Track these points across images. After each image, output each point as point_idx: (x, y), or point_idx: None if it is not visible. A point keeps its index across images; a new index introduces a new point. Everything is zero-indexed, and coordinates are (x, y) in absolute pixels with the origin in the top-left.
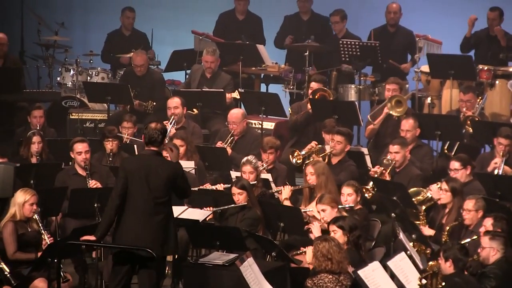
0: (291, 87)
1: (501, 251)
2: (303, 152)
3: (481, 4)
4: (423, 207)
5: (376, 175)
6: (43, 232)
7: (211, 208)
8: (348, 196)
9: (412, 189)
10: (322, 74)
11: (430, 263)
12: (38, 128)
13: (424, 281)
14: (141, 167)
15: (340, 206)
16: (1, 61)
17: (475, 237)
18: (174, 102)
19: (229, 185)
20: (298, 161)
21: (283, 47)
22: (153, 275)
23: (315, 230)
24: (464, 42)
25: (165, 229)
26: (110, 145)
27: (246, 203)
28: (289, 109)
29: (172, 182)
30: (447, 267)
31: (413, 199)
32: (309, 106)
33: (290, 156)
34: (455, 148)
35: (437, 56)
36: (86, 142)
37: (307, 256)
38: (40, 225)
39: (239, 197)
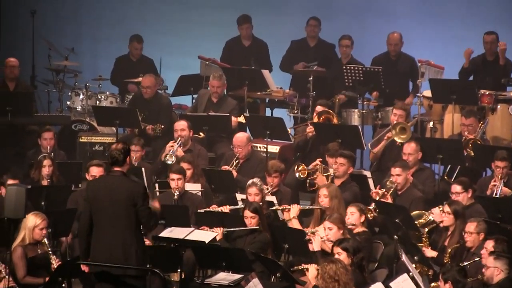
0: (296, 112)
1: (505, 271)
2: (308, 168)
3: (478, 30)
4: (426, 229)
5: (378, 197)
6: (51, 257)
7: (221, 228)
8: (351, 214)
9: (414, 212)
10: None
11: (432, 284)
12: (48, 150)
13: None
14: (104, 187)
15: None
16: (13, 85)
17: (477, 259)
18: (181, 125)
19: (235, 207)
20: (302, 176)
21: (289, 71)
22: None
23: (316, 244)
24: (461, 72)
25: (125, 248)
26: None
27: (257, 227)
28: (289, 129)
29: (132, 203)
30: None
31: (416, 222)
32: (308, 129)
33: (295, 168)
34: (456, 172)
35: (439, 81)
36: (103, 166)
37: (310, 274)
38: (49, 249)
39: (252, 220)
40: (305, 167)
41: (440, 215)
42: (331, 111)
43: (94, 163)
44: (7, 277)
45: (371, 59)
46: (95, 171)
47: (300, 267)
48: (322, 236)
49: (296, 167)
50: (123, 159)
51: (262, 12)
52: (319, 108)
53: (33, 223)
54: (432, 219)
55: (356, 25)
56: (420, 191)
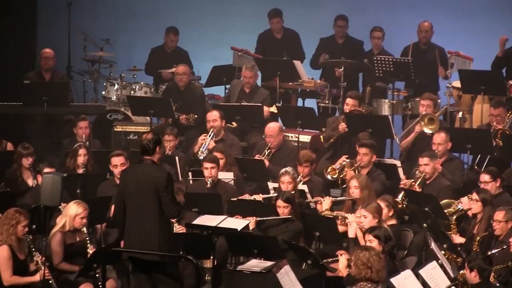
0: (327, 102)
1: None
2: (336, 166)
3: (507, 22)
4: (454, 217)
5: (406, 187)
6: (89, 245)
7: (254, 218)
8: (364, 217)
9: (443, 201)
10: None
11: (461, 272)
12: (84, 139)
13: None
14: (133, 175)
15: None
16: (48, 75)
17: (505, 247)
18: (213, 116)
19: (268, 195)
20: (334, 176)
21: (318, 67)
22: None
23: (351, 230)
24: (495, 62)
25: (147, 234)
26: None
27: (290, 216)
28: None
29: (155, 189)
30: (473, 277)
31: (445, 210)
32: (340, 126)
33: (324, 172)
34: (485, 162)
35: (468, 72)
36: (123, 155)
37: (340, 264)
38: (87, 237)
39: (284, 210)
40: (334, 167)
41: (469, 203)
42: (360, 109)
43: (115, 153)
44: (43, 268)
45: (400, 52)
46: (116, 161)
47: (330, 260)
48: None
49: (325, 170)
50: (153, 148)
51: (293, 5)
52: (349, 101)
53: (74, 212)
54: (461, 208)
55: (386, 17)
56: (449, 180)
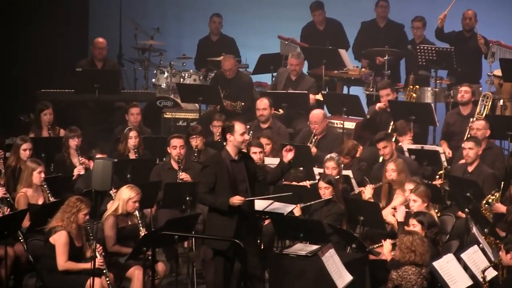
0: (371, 89)
1: None
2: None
3: None
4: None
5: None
6: (141, 229)
7: (298, 205)
8: (413, 202)
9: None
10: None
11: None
12: (136, 126)
13: (489, 275)
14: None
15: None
16: (101, 64)
17: None
18: (263, 104)
19: (314, 182)
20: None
21: (361, 56)
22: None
23: (400, 215)
24: None
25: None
26: (194, 142)
27: (331, 197)
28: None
29: None
30: (508, 259)
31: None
32: (377, 105)
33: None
34: None
35: (509, 60)
36: (183, 138)
37: (385, 248)
38: (139, 221)
39: (326, 191)
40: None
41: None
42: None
43: (175, 135)
44: (98, 257)
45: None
46: (176, 142)
47: (376, 246)
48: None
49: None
50: (222, 135)
51: None
52: (382, 93)
53: (127, 196)
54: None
55: (428, 5)
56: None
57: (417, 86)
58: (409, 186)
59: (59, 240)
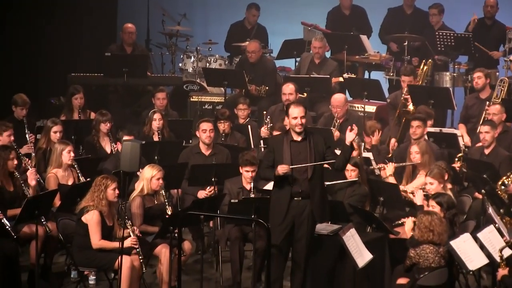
0: (391, 74)
1: None
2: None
3: None
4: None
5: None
6: (168, 207)
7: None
8: (430, 185)
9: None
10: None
11: None
12: (162, 109)
13: (505, 254)
14: None
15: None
16: (130, 49)
17: None
18: (289, 89)
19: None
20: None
21: (387, 37)
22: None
23: (418, 198)
24: None
25: None
26: (222, 126)
27: (357, 179)
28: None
29: None
30: None
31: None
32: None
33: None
34: None
35: None
36: (211, 122)
37: (407, 226)
38: (165, 199)
39: (352, 173)
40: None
41: None
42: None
43: (205, 119)
44: (132, 236)
45: (463, 27)
46: (205, 126)
47: (399, 222)
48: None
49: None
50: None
51: None
52: (405, 79)
53: (150, 174)
54: None
55: None
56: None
57: (430, 60)
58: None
59: (91, 219)
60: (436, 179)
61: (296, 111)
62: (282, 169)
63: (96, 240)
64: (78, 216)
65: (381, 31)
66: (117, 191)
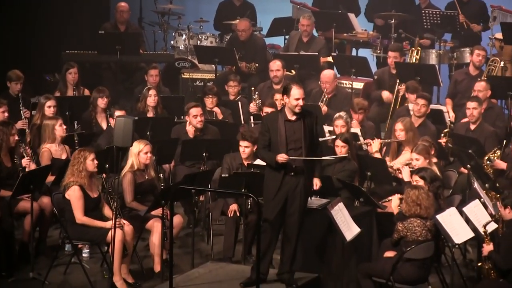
0: (379, 52)
1: None
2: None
3: None
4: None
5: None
6: (160, 180)
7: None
8: (416, 160)
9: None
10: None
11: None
12: (154, 85)
13: (489, 228)
14: None
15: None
16: (123, 27)
17: None
18: (276, 65)
19: (323, 138)
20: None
21: (372, 18)
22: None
23: (405, 175)
24: None
25: None
26: (210, 101)
27: (347, 155)
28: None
29: None
30: (507, 213)
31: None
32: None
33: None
34: None
35: (509, 24)
36: (200, 106)
37: (393, 203)
38: (156, 172)
39: (342, 149)
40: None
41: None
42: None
43: (192, 104)
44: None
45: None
46: (195, 111)
47: (387, 200)
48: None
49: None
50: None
51: None
52: (391, 54)
53: (137, 149)
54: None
55: None
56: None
57: (419, 48)
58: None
59: (73, 195)
60: (422, 155)
61: (298, 93)
62: (282, 159)
63: (80, 216)
64: (62, 193)
65: (367, 8)
66: (96, 162)
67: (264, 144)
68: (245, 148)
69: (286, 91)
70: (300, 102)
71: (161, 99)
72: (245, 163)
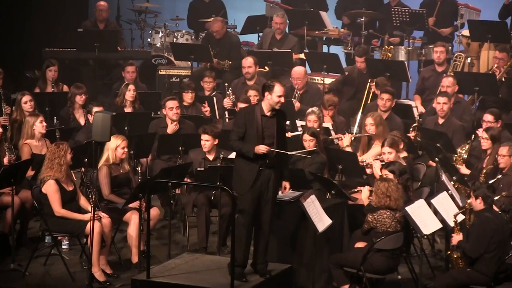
0: (349, 48)
1: None
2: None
3: None
4: (460, 151)
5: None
6: (135, 173)
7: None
8: (388, 154)
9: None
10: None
11: (468, 201)
12: (131, 82)
13: (459, 218)
14: None
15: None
16: (103, 25)
17: (499, 176)
18: (248, 62)
19: (296, 133)
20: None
21: (341, 17)
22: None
23: (377, 169)
24: (502, 10)
25: None
26: (188, 96)
27: (315, 148)
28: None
29: None
30: (478, 204)
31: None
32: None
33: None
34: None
35: (476, 22)
36: (177, 99)
37: (363, 194)
38: (130, 166)
39: (310, 143)
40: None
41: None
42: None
43: (169, 98)
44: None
45: (418, 4)
46: (171, 104)
47: (356, 190)
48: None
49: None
50: (262, 94)
51: None
52: (358, 59)
53: (115, 144)
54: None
55: None
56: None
57: (391, 47)
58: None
59: (49, 189)
60: (394, 148)
61: (281, 90)
62: (263, 149)
63: (58, 209)
64: (39, 187)
65: (338, 6)
66: (71, 155)
67: (239, 136)
68: (205, 141)
69: (269, 88)
70: (282, 99)
71: (138, 95)
72: (208, 157)
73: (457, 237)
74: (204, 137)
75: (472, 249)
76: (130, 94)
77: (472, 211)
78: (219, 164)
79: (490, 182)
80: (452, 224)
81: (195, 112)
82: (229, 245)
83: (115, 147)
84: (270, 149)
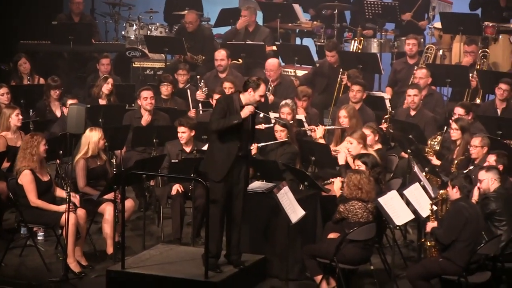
0: (322, 41)
1: (498, 179)
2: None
3: None
4: (431, 143)
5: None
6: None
7: (255, 144)
8: (349, 143)
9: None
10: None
11: (440, 191)
12: (106, 74)
13: (434, 207)
14: None
15: None
16: (78, 18)
17: (471, 167)
18: (221, 55)
19: (269, 125)
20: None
21: (308, 7)
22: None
23: (340, 158)
24: (472, 1)
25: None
26: (165, 89)
27: (286, 139)
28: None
29: None
30: (454, 193)
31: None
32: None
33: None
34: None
35: (448, 14)
36: (151, 90)
37: (335, 185)
38: (107, 157)
39: (281, 134)
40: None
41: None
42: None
43: (144, 88)
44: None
45: None
46: (146, 94)
47: (328, 182)
48: (343, 151)
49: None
50: (244, 87)
51: None
52: (328, 54)
53: (97, 137)
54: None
55: None
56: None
57: (362, 38)
58: (366, 131)
59: (24, 179)
60: (356, 140)
61: (264, 90)
62: (249, 108)
63: (33, 199)
64: (15, 178)
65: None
66: (46, 147)
67: (222, 117)
68: (182, 133)
69: (255, 86)
70: (262, 99)
71: (113, 87)
72: (185, 148)
73: (431, 224)
74: (181, 129)
75: (444, 235)
76: (107, 87)
77: (445, 201)
78: (194, 156)
79: (465, 172)
80: (424, 214)
81: (174, 105)
82: (203, 236)
83: (98, 140)
84: (255, 109)
